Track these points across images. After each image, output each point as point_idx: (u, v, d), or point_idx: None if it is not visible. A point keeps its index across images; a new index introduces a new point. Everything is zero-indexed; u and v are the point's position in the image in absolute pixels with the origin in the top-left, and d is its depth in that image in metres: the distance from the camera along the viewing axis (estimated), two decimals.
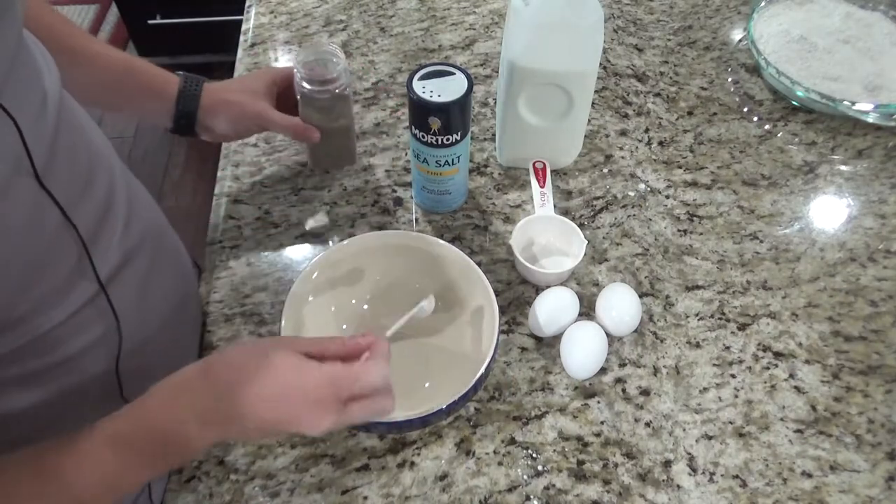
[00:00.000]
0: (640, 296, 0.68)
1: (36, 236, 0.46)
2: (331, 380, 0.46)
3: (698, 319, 0.70)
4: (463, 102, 0.66)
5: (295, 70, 0.70)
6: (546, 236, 0.74)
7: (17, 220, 0.44)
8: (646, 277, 0.73)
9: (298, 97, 0.72)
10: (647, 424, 0.63)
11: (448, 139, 0.68)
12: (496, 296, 0.61)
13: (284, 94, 0.73)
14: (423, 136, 0.68)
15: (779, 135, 0.87)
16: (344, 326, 0.66)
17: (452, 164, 0.71)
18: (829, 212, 0.80)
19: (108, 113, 0.70)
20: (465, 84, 0.66)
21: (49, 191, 0.46)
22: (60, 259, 0.49)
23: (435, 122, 0.66)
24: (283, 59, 0.95)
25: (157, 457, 0.45)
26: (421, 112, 0.66)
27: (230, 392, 0.45)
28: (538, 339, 0.68)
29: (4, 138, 0.42)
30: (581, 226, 0.72)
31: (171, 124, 0.69)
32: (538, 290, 0.70)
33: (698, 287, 0.72)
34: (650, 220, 0.78)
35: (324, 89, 0.70)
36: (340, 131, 0.77)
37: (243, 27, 1.00)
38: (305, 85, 0.70)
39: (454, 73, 0.67)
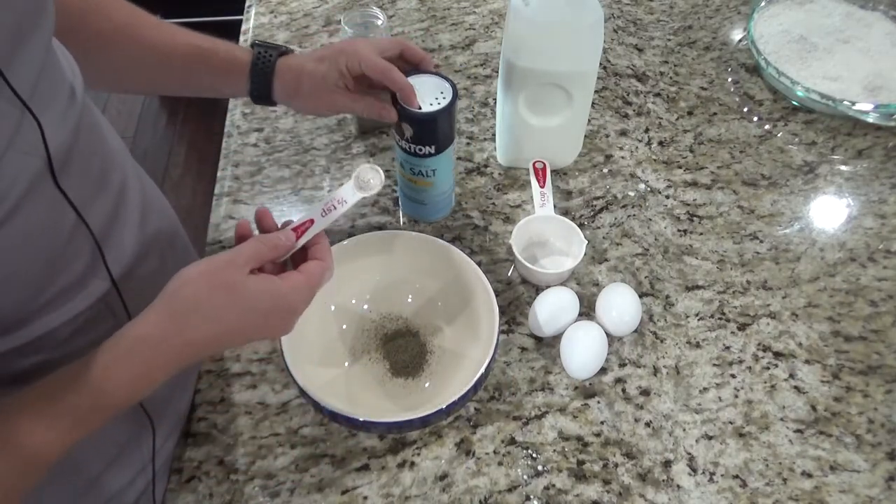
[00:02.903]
0: (640, 296, 0.68)
1: (52, 237, 0.47)
2: (295, 291, 0.50)
3: (698, 319, 0.70)
4: (435, 119, 0.63)
5: (342, 33, 0.75)
6: (546, 236, 0.74)
7: (36, 221, 0.45)
8: (646, 277, 0.73)
9: None
10: (647, 424, 0.63)
11: (420, 150, 0.66)
12: (496, 296, 0.61)
13: (360, 76, 0.65)
14: (398, 139, 0.67)
15: (779, 135, 0.87)
16: (344, 326, 0.66)
17: (426, 175, 0.69)
18: (829, 212, 0.80)
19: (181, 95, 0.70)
20: (446, 99, 0.63)
21: (64, 191, 0.47)
22: (75, 258, 0.49)
23: (407, 129, 0.65)
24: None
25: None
26: (398, 112, 0.64)
27: (201, 331, 0.46)
28: (538, 339, 0.68)
29: (31, 142, 0.43)
30: (581, 226, 0.72)
31: (247, 97, 0.67)
32: (538, 290, 0.70)
33: (698, 287, 0.72)
34: (650, 220, 0.78)
35: None
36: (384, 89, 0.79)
37: (243, 27, 1.00)
38: None
39: (446, 86, 0.65)
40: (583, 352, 0.64)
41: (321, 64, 0.63)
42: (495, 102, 0.89)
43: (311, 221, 0.52)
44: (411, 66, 0.66)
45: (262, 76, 0.64)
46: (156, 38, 0.62)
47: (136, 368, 0.44)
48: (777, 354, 0.68)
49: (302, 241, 0.53)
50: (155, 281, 0.54)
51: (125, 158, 0.58)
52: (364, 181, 0.55)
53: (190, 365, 0.47)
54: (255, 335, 0.50)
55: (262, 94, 0.65)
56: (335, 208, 0.53)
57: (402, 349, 0.65)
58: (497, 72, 0.93)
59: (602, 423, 0.63)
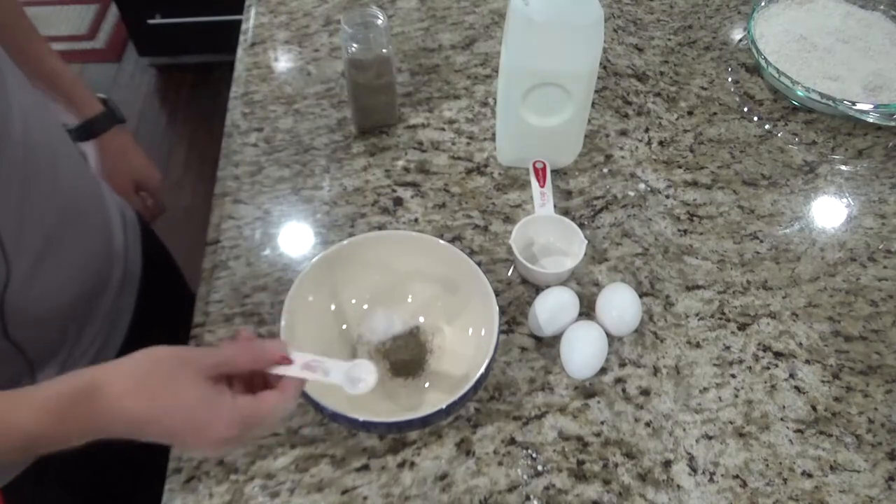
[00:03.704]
0: (640, 296, 0.68)
1: None
2: (241, 420, 0.46)
3: (698, 319, 0.70)
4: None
5: (342, 33, 0.76)
6: (546, 236, 0.74)
7: None
8: (646, 277, 0.73)
9: (345, 58, 0.78)
10: (647, 424, 0.63)
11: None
12: (496, 296, 0.61)
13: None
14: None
15: (779, 135, 0.87)
16: (344, 326, 0.66)
17: None
18: (830, 212, 0.80)
19: None
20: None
21: None
22: None
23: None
24: (283, 59, 0.94)
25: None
26: None
27: (137, 421, 0.45)
28: (538, 339, 0.68)
29: None
30: (581, 226, 0.72)
31: (73, 131, 0.78)
32: (538, 290, 0.70)
33: (698, 287, 0.72)
34: (650, 219, 0.78)
35: (369, 49, 0.76)
36: (384, 88, 0.81)
37: (243, 27, 1.00)
38: (353, 45, 0.76)
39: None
40: (583, 352, 0.64)
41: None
42: (495, 102, 0.89)
43: (291, 362, 0.50)
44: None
45: (100, 127, 0.79)
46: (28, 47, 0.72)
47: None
48: (777, 354, 0.68)
49: (276, 370, 0.49)
50: (43, 249, 0.55)
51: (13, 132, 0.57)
52: (355, 377, 0.51)
53: (107, 436, 0.46)
54: (180, 435, 0.46)
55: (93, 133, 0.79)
56: (316, 373, 0.50)
57: (402, 349, 0.65)
58: (497, 72, 0.93)
59: (602, 423, 0.63)
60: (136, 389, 0.45)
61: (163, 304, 0.78)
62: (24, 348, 0.58)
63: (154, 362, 0.46)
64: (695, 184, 0.82)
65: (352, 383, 0.50)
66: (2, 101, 0.53)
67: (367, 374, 0.51)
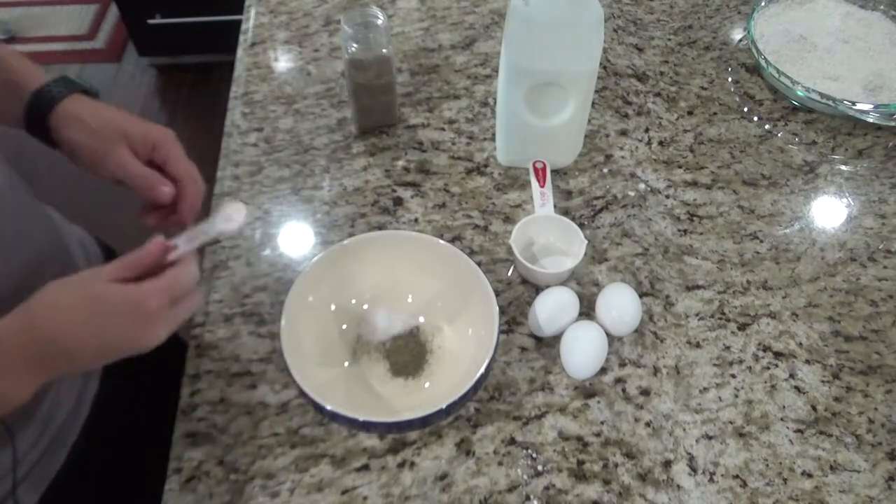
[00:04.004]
0: (640, 296, 0.68)
1: None
2: (151, 294, 0.48)
3: (698, 319, 0.70)
4: None
5: (342, 33, 0.76)
6: (546, 236, 0.74)
7: None
8: (646, 277, 0.73)
9: (345, 58, 0.77)
10: (647, 424, 0.63)
11: None
12: (496, 296, 0.61)
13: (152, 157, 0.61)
14: None
15: (779, 135, 0.87)
16: (344, 326, 0.66)
17: None
18: (830, 212, 0.80)
19: None
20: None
21: None
22: None
23: None
24: (283, 59, 0.94)
25: None
26: None
27: (59, 335, 0.47)
28: (538, 339, 0.68)
29: None
30: (581, 226, 0.72)
31: (22, 123, 0.58)
32: (538, 290, 0.70)
33: (698, 287, 0.72)
34: (650, 219, 0.78)
35: (369, 49, 0.76)
36: (384, 88, 0.81)
37: (243, 27, 1.00)
38: (353, 45, 0.76)
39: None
40: (583, 352, 0.64)
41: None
42: (495, 102, 0.89)
43: (173, 246, 0.52)
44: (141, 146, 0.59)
45: (50, 98, 0.57)
46: None
47: None
48: (777, 354, 0.68)
49: (173, 255, 0.51)
50: None
51: None
52: (229, 216, 0.54)
53: (51, 373, 0.48)
54: (113, 339, 0.49)
55: (42, 107, 0.57)
56: (199, 238, 0.53)
57: (402, 349, 0.65)
58: (497, 72, 0.93)
59: (602, 423, 0.63)
60: (66, 318, 0.47)
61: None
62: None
63: (65, 292, 0.48)
64: (695, 184, 0.82)
65: (227, 222, 0.54)
66: None
67: (236, 212, 0.54)
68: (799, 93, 0.85)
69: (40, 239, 0.63)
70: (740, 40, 1.00)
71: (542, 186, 0.76)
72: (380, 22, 0.76)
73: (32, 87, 0.57)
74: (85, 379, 0.69)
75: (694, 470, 0.60)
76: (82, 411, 0.67)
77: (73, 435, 0.66)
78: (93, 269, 0.49)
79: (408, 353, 0.65)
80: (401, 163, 0.83)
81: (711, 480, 0.60)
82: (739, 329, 0.69)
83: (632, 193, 0.80)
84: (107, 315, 0.48)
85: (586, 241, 0.70)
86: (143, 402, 0.77)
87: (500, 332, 0.62)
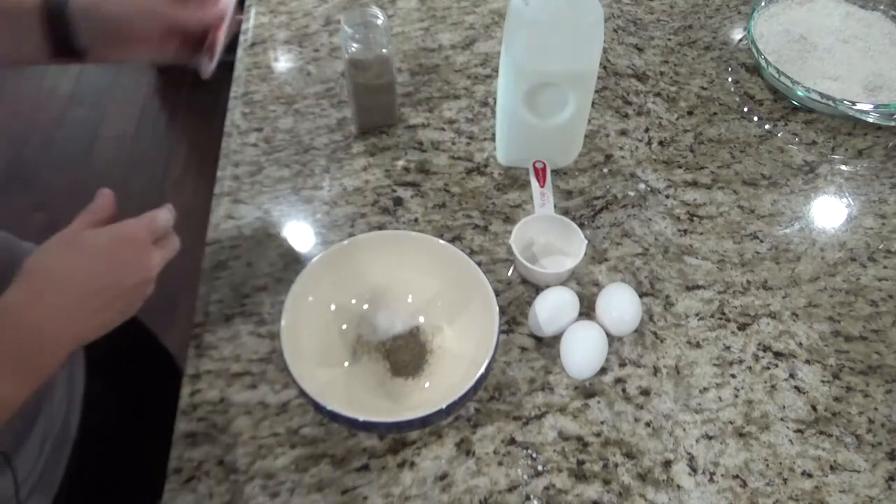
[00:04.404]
0: (640, 296, 0.68)
1: None
2: (137, 226, 0.53)
3: (698, 319, 0.70)
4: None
5: (342, 33, 0.76)
6: (546, 236, 0.74)
7: None
8: (646, 277, 0.73)
9: (345, 58, 0.78)
10: (647, 424, 0.63)
11: None
12: (496, 296, 0.61)
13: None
14: None
15: (779, 135, 0.87)
16: (344, 326, 0.66)
17: None
18: (830, 212, 0.80)
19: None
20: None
21: None
22: None
23: None
24: (283, 59, 0.94)
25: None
26: None
27: (61, 284, 0.49)
28: (538, 339, 0.68)
29: None
30: (581, 226, 0.72)
31: (49, 40, 0.56)
32: (538, 290, 0.70)
33: (698, 287, 0.72)
34: (650, 219, 0.78)
35: (369, 49, 0.76)
36: (384, 88, 0.81)
37: (243, 27, 1.00)
38: (353, 45, 0.76)
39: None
40: (583, 352, 0.64)
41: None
42: (495, 102, 0.89)
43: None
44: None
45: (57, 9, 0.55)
46: None
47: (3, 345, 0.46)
48: (777, 354, 0.68)
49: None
50: None
51: None
52: None
53: (67, 345, 0.49)
54: (113, 281, 0.51)
55: (60, 43, 0.56)
56: None
57: (402, 349, 0.65)
58: (497, 72, 0.93)
59: (602, 423, 0.63)
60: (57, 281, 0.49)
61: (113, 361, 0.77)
62: None
63: (49, 251, 0.51)
64: (695, 184, 0.82)
65: None
66: None
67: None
68: (799, 93, 0.85)
69: None
70: (740, 40, 1.00)
71: (542, 186, 0.76)
72: (380, 22, 0.76)
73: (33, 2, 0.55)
74: (71, 382, 0.69)
75: (694, 470, 0.60)
76: (73, 418, 0.67)
77: (68, 445, 0.66)
78: (59, 232, 0.51)
79: (408, 353, 0.65)
80: (401, 163, 0.83)
81: (711, 480, 0.60)
82: (739, 329, 0.69)
83: (632, 193, 0.80)
84: (97, 253, 0.50)
85: (586, 241, 0.70)
86: (132, 402, 0.77)
87: (500, 332, 0.62)
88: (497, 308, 0.60)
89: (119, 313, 0.52)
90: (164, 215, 0.55)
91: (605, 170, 0.83)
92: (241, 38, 0.98)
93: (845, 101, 0.82)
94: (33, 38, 0.56)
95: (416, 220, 0.77)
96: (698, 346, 0.68)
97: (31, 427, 0.61)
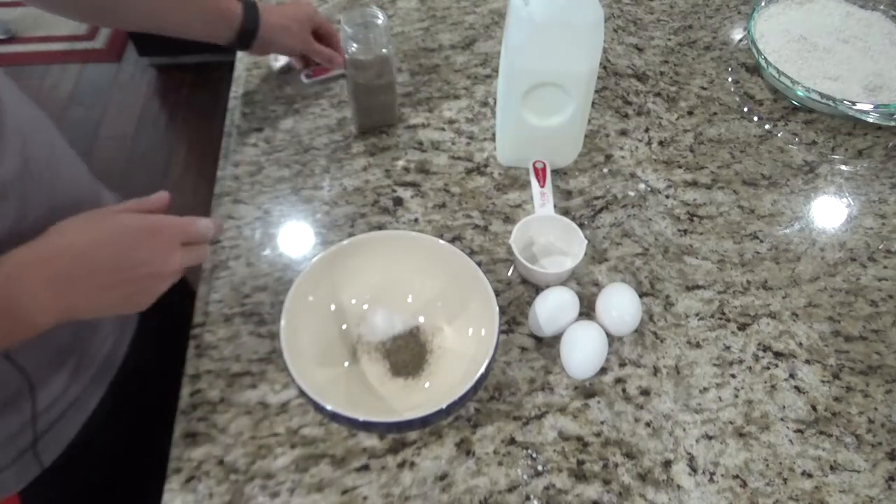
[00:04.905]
0: (640, 296, 0.68)
1: None
2: (167, 223, 0.53)
3: (698, 319, 0.70)
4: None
5: (341, 33, 0.77)
6: (546, 236, 0.74)
7: None
8: (646, 277, 0.73)
9: (345, 58, 0.79)
10: (647, 424, 0.63)
11: None
12: (496, 296, 0.61)
13: (316, 32, 0.86)
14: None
15: (779, 135, 0.87)
16: (344, 326, 0.66)
17: None
18: (829, 212, 0.80)
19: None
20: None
21: None
22: None
23: None
24: (283, 59, 0.94)
25: None
26: None
27: (77, 245, 0.49)
28: (538, 339, 0.68)
29: None
30: (581, 226, 0.72)
31: (235, 43, 0.78)
32: (538, 290, 0.70)
33: (698, 287, 0.72)
34: (650, 219, 0.78)
35: (369, 49, 0.77)
36: (384, 88, 0.82)
37: None
38: (353, 45, 0.76)
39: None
40: (583, 352, 0.64)
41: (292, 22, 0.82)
42: (495, 102, 0.89)
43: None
44: (316, 25, 0.85)
45: (253, 22, 0.77)
46: None
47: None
48: (777, 354, 0.68)
49: None
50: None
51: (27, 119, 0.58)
52: None
53: (54, 315, 0.49)
54: (128, 257, 0.51)
55: (251, 29, 0.78)
56: None
57: (402, 349, 0.65)
58: (497, 72, 0.93)
59: (602, 423, 0.63)
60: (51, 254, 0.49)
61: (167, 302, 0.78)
62: (24, 367, 0.58)
63: (78, 219, 0.52)
64: (695, 184, 0.82)
65: None
66: None
67: None
68: (799, 93, 0.85)
69: (85, 203, 0.65)
70: (740, 40, 1.00)
71: (542, 186, 0.76)
72: (380, 22, 0.76)
73: (233, 17, 0.76)
74: (121, 329, 0.70)
75: (694, 470, 0.60)
76: (111, 369, 0.68)
77: (98, 393, 0.66)
78: (101, 208, 0.53)
79: (408, 353, 0.65)
80: (401, 163, 0.83)
81: (711, 480, 0.60)
82: (739, 329, 0.69)
83: (632, 193, 0.80)
84: (123, 233, 0.51)
85: (586, 241, 0.70)
86: (174, 369, 0.77)
87: (500, 332, 0.62)
88: (497, 308, 0.60)
89: (124, 299, 0.52)
90: (205, 224, 0.56)
91: (605, 170, 0.83)
92: None
93: (845, 101, 0.82)
94: (229, 36, 0.77)
95: (416, 220, 0.77)
96: (698, 346, 0.68)
97: (65, 359, 0.62)
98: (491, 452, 0.61)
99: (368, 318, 0.67)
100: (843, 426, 0.63)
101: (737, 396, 0.65)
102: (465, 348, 0.63)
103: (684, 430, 0.62)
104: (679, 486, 0.59)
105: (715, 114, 0.90)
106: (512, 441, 0.61)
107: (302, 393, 0.56)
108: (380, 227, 0.76)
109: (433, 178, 0.81)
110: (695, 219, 0.78)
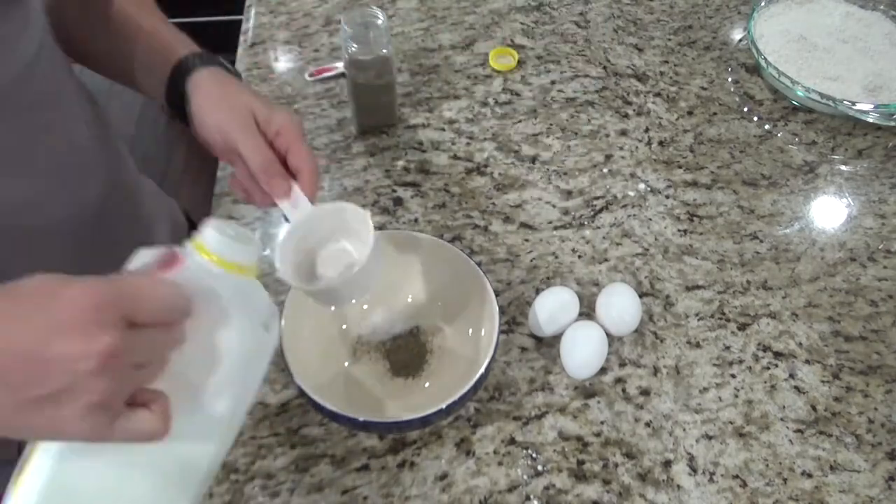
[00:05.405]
0: (640, 296, 0.68)
1: None
2: (97, 290, 0.32)
3: (698, 319, 0.70)
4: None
5: (342, 33, 0.76)
6: (323, 239, 0.57)
7: None
8: (646, 277, 0.73)
9: (345, 58, 0.78)
10: (647, 424, 0.63)
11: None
12: (496, 296, 0.61)
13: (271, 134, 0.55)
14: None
15: (779, 135, 0.87)
16: (344, 326, 0.66)
17: None
18: (829, 212, 0.80)
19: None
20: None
21: None
22: None
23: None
24: (283, 59, 0.94)
25: None
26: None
27: None
28: (538, 339, 0.68)
29: None
30: (581, 226, 0.72)
31: (162, 99, 0.59)
32: (538, 290, 0.70)
33: (698, 287, 0.72)
34: (650, 220, 0.78)
35: (368, 49, 0.76)
36: (384, 88, 0.81)
37: (243, 27, 1.00)
38: (353, 45, 0.76)
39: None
40: (583, 352, 0.64)
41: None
42: (495, 102, 0.89)
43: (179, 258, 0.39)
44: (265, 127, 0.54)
45: (186, 72, 0.57)
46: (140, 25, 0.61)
47: None
48: (777, 354, 0.68)
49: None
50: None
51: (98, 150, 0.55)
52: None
53: None
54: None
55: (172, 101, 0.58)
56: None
57: (402, 349, 0.65)
58: (497, 72, 0.93)
59: (602, 423, 0.63)
60: None
61: None
62: None
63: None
64: (695, 184, 0.82)
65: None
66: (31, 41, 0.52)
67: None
68: (799, 93, 0.85)
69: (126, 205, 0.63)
70: (740, 40, 1.00)
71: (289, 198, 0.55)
72: (380, 22, 0.76)
73: (179, 55, 0.58)
74: (174, 230, 0.70)
75: (694, 470, 0.60)
76: None
77: None
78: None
79: (408, 353, 0.65)
80: (401, 163, 0.83)
81: (711, 480, 0.60)
82: (739, 329, 0.69)
83: (632, 193, 0.80)
84: (41, 305, 0.32)
85: (368, 212, 0.53)
86: None
87: (500, 332, 0.62)
88: (497, 308, 0.60)
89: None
90: (175, 291, 0.35)
91: (605, 170, 0.83)
92: (242, 38, 0.98)
93: (845, 101, 0.82)
94: (160, 87, 0.59)
95: (416, 220, 0.77)
96: (698, 346, 0.68)
97: None
98: (491, 452, 0.61)
99: (368, 318, 0.67)
100: (843, 426, 0.63)
101: (737, 396, 0.65)
102: (465, 348, 0.63)
103: (684, 430, 0.62)
104: (679, 486, 0.59)
105: (715, 114, 0.90)
106: (512, 441, 0.61)
107: (302, 393, 0.56)
108: (380, 228, 0.76)
109: (433, 178, 0.81)
110: (695, 219, 0.78)
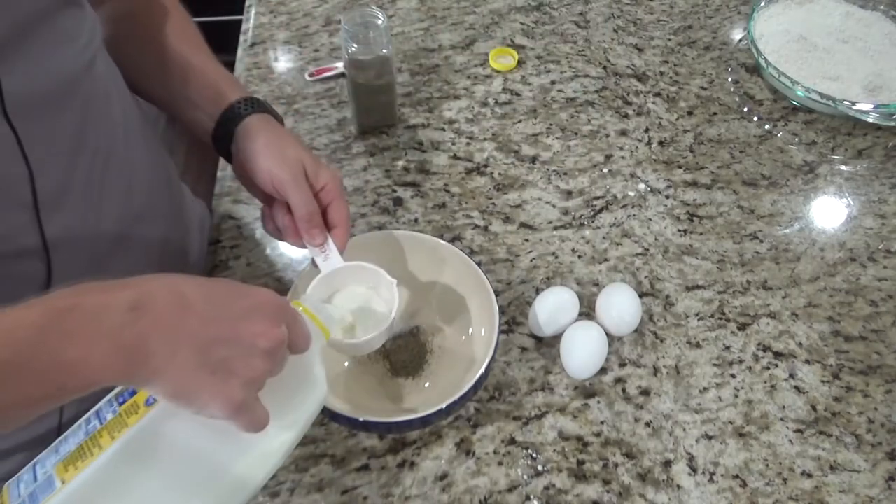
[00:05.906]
0: (640, 296, 0.68)
1: None
2: (278, 296, 0.44)
3: (698, 319, 0.70)
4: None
5: (342, 33, 0.77)
6: (347, 292, 0.60)
7: None
8: (646, 277, 0.73)
9: (345, 58, 0.78)
10: (647, 424, 0.63)
11: None
12: (496, 296, 0.61)
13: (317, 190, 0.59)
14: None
15: (779, 135, 0.87)
16: None
17: None
18: (829, 212, 0.80)
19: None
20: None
21: (12, 123, 0.48)
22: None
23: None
24: (283, 59, 0.95)
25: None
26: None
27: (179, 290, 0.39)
28: (538, 339, 0.68)
29: None
30: (581, 226, 0.72)
31: (208, 136, 0.64)
32: (538, 290, 0.70)
33: (698, 287, 0.72)
34: (650, 220, 0.78)
35: (369, 49, 0.76)
36: (384, 88, 0.81)
37: (243, 27, 1.00)
38: (353, 45, 0.76)
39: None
40: (583, 352, 0.64)
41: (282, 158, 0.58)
42: (495, 102, 0.89)
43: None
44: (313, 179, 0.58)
45: (236, 117, 0.61)
46: (174, 44, 0.67)
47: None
48: (777, 354, 0.68)
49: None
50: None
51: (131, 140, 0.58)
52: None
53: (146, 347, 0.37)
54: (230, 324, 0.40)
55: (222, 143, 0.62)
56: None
57: (402, 349, 0.65)
58: (497, 72, 0.93)
59: (602, 423, 0.63)
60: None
61: None
62: None
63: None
64: (695, 184, 0.82)
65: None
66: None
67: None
68: (799, 93, 0.85)
69: (170, 214, 0.66)
70: (740, 40, 1.00)
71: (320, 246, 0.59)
72: (380, 22, 0.76)
73: (230, 99, 0.62)
74: (202, 227, 0.72)
75: (694, 470, 0.60)
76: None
77: None
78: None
79: (408, 353, 0.65)
80: (401, 163, 0.83)
81: (711, 480, 0.60)
82: (739, 329, 0.69)
83: (632, 193, 0.80)
84: (237, 297, 0.41)
85: (395, 281, 0.57)
86: None
87: (500, 332, 0.62)
88: (497, 308, 0.60)
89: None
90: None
91: (605, 170, 0.83)
92: (242, 38, 0.98)
93: (845, 101, 0.82)
94: (208, 124, 0.63)
95: (416, 220, 0.77)
96: (698, 346, 0.68)
97: None
98: (491, 452, 0.61)
99: None
100: (843, 426, 0.63)
101: (737, 396, 0.65)
102: (464, 348, 0.63)
103: (684, 430, 0.62)
104: (679, 486, 0.59)
105: (715, 114, 0.90)
106: (512, 441, 0.61)
107: None
108: (380, 227, 0.76)
109: (433, 178, 0.81)
110: (695, 219, 0.78)
